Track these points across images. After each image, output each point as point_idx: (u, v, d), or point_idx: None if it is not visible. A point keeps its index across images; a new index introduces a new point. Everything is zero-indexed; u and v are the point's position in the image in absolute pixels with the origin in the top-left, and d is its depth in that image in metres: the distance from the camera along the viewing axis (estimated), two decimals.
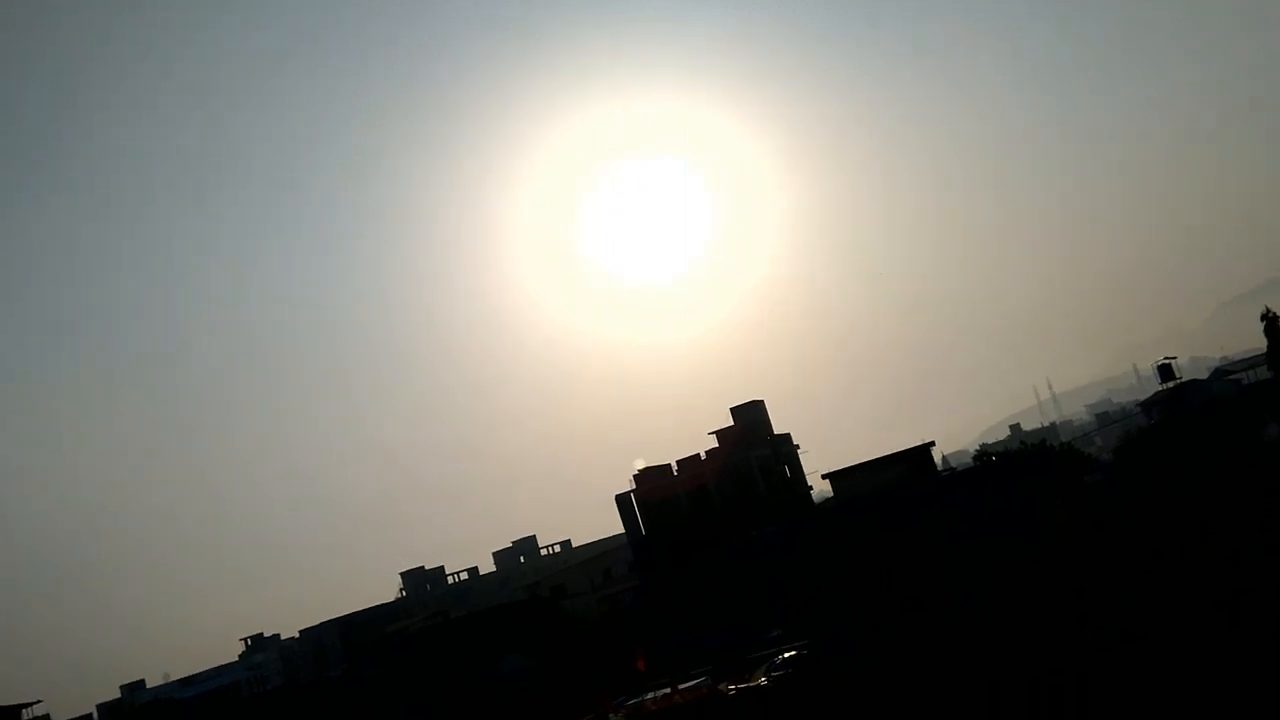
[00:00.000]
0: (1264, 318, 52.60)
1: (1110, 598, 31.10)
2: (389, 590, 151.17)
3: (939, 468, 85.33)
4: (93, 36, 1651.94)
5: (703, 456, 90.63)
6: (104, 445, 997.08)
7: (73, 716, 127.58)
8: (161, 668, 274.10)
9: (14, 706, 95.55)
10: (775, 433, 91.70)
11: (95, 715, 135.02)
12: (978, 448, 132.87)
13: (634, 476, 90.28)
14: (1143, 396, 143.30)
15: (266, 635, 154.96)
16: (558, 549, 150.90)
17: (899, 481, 56.10)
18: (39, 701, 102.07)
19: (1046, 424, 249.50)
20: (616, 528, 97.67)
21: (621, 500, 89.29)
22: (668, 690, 49.20)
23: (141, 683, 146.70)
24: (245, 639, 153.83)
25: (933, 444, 73.96)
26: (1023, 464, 60.27)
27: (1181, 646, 24.46)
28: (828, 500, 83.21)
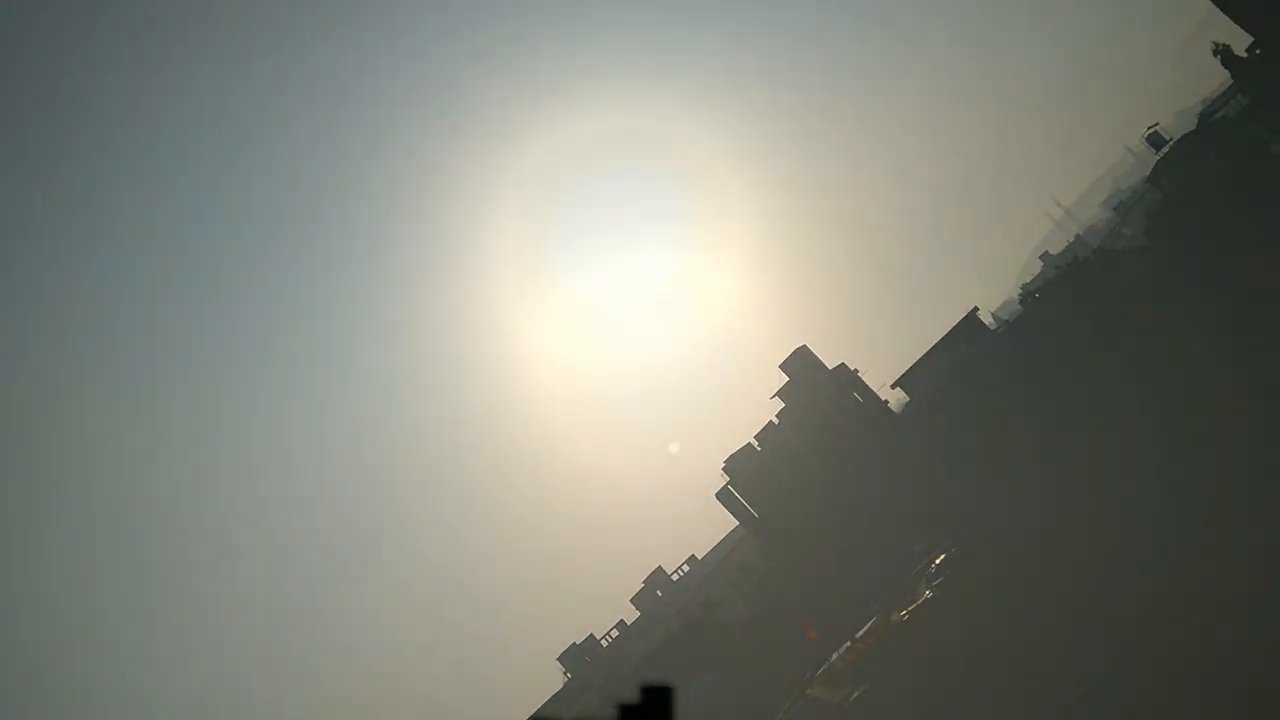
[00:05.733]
0: (1215, 52, 52.48)
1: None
2: (554, 678, 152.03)
3: (993, 327, 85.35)
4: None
5: (776, 421, 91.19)
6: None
7: None
8: None
9: None
10: (830, 368, 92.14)
11: None
12: (1019, 292, 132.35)
13: (723, 468, 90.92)
14: (1146, 172, 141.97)
15: None
16: (687, 568, 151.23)
17: (960, 360, 56.61)
18: None
19: (1071, 239, 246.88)
20: (731, 522, 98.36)
21: (722, 495, 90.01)
22: (848, 644, 49.70)
23: None
24: None
25: (976, 309, 74.50)
26: (1058, 292, 60.33)
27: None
28: (907, 406, 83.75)
